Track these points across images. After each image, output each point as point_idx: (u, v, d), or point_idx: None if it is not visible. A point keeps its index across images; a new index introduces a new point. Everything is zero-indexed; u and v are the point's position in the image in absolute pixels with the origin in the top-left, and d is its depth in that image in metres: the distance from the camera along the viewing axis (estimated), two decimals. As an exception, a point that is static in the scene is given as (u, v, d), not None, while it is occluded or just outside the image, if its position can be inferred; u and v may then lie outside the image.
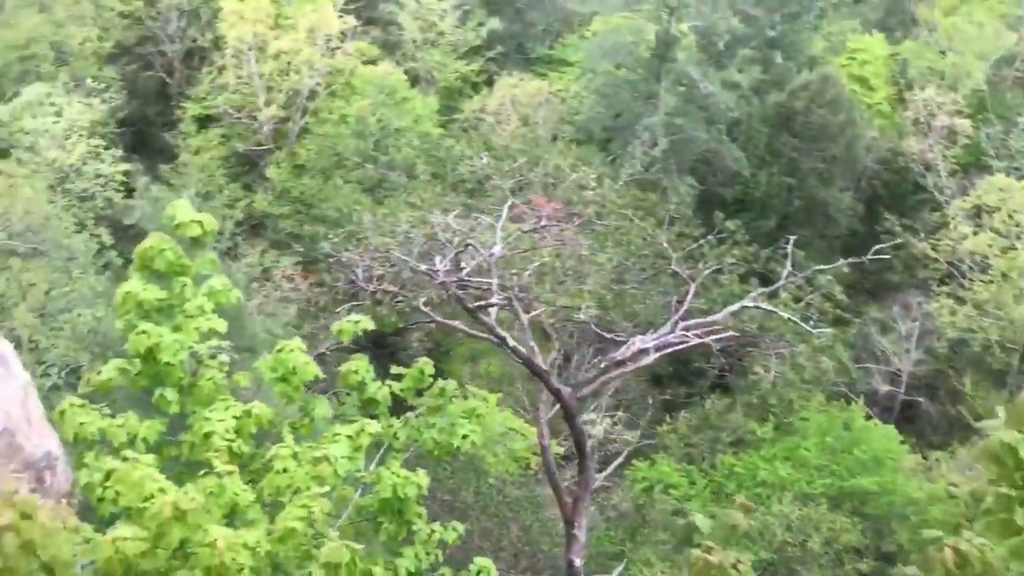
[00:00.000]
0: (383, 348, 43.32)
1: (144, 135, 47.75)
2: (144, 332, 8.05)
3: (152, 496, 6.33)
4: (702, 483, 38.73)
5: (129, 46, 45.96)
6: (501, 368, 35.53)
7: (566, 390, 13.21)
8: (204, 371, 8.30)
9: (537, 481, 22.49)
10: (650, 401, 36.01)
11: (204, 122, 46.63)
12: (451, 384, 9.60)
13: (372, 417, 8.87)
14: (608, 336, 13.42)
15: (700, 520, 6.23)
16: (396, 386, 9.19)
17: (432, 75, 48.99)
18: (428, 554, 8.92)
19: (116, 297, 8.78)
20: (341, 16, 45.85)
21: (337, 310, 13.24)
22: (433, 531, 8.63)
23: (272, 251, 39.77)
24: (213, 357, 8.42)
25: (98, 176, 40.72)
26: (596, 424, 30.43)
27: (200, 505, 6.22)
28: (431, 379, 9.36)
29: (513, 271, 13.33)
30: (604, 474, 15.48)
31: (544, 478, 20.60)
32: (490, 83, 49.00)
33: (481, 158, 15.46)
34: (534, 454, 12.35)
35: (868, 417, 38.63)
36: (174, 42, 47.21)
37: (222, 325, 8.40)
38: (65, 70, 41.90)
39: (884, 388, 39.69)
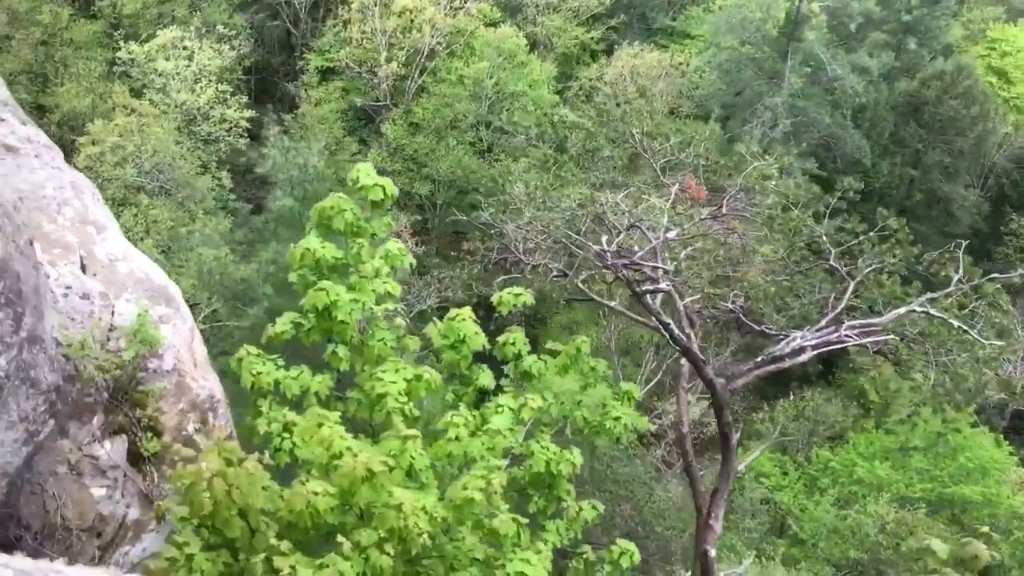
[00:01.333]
0: (478, 310, 43.84)
1: (267, 83, 48.89)
2: (323, 290, 8.31)
3: (340, 454, 6.58)
4: (795, 475, 38.22)
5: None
6: (597, 340, 35.55)
7: (720, 381, 13.13)
8: (375, 331, 8.53)
9: (639, 459, 22.51)
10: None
11: (325, 74, 47.47)
12: (602, 363, 9.64)
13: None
14: (757, 328, 13.25)
15: (937, 545, 6.13)
16: (552, 362, 9.28)
17: (551, 40, 48.67)
18: (568, 530, 9.05)
19: (292, 252, 9.07)
20: (470, -25, 45.91)
21: (497, 280, 13.38)
22: (581, 509, 8.75)
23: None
24: (389, 319, 8.65)
25: (223, 121, 41.85)
26: (692, 406, 30.22)
27: (387, 468, 6.43)
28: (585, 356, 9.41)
29: (666, 254, 13.22)
30: (744, 464, 15.38)
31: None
32: (609, 52, 48.45)
33: (634, 135, 15.26)
34: (634, 432, 12.33)
35: (974, 425, 37.38)
36: (301, -5, 47.97)
37: (397, 289, 8.60)
38: (198, 15, 43.03)
39: (996, 395, 38.22)
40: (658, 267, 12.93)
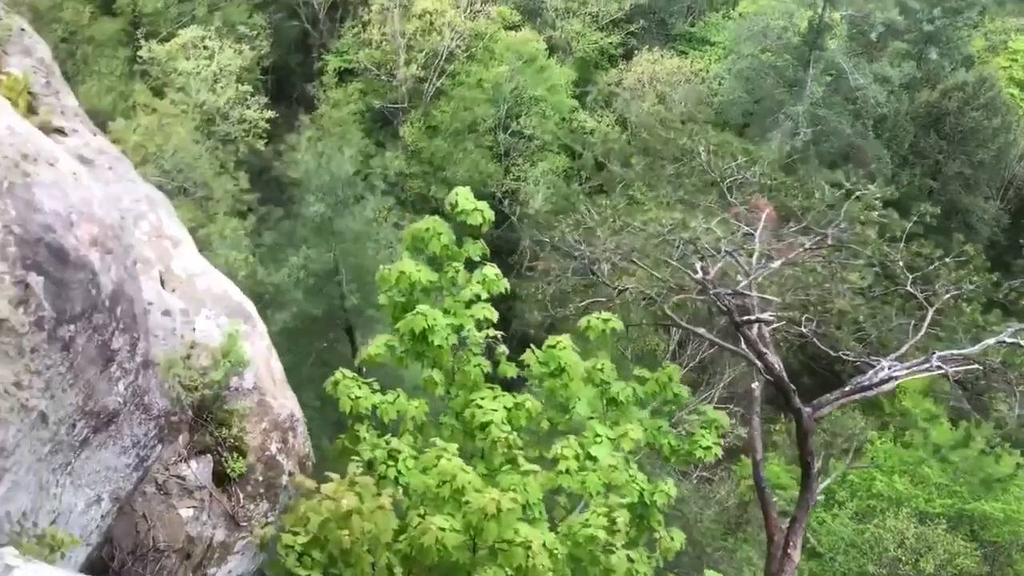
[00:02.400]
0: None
1: (284, 84, 48.73)
2: (421, 314, 8.19)
3: (463, 489, 6.46)
4: (812, 486, 38.13)
5: (277, -2, 46.79)
6: (614, 349, 35.42)
7: (806, 411, 13.02)
8: (470, 357, 8.42)
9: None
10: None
11: (344, 76, 47.32)
12: (685, 391, 9.54)
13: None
14: (834, 354, 13.13)
15: None
16: (640, 389, 9.17)
17: (570, 45, 48.57)
18: (650, 558, 8.95)
19: (385, 273, 8.95)
20: (487, -22, 45.77)
21: (580, 303, 13.25)
22: (672, 538, 8.64)
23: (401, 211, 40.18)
24: (490, 347, 8.54)
25: (242, 121, 41.69)
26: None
27: (515, 505, 6.31)
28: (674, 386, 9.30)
29: (738, 277, 13.07)
30: (820, 489, 15.24)
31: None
32: (628, 57, 48.33)
33: (699, 152, 15.12)
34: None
35: (993, 443, 37.16)
36: (320, -6, 47.82)
37: (495, 315, 8.48)
38: (218, 15, 42.87)
39: (1016, 412, 38.08)
40: (767, 298, 12.82)
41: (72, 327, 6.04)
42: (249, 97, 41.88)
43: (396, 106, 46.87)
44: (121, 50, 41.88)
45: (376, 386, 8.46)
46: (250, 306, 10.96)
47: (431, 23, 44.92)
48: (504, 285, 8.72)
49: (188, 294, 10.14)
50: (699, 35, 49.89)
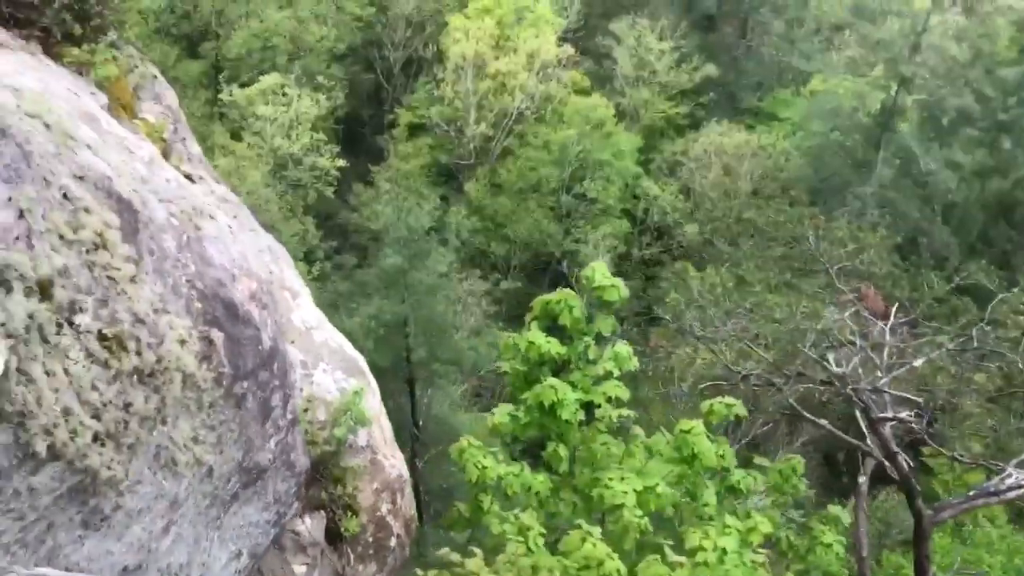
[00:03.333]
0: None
1: (355, 134, 49.67)
2: (551, 387, 8.15)
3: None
4: (866, 577, 36.98)
5: (356, 48, 47.93)
6: (663, 416, 35.05)
7: (928, 512, 12.70)
8: (596, 434, 8.33)
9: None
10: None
11: (414, 130, 48.17)
12: (804, 484, 9.35)
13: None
14: (948, 456, 12.79)
15: None
16: (760, 479, 9.00)
17: (638, 112, 49.02)
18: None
19: (510, 340, 8.95)
20: (560, 44, 46.54)
21: (700, 385, 13.14)
22: (793, 636, 8.40)
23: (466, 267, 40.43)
24: (621, 426, 8.46)
25: (314, 168, 42.48)
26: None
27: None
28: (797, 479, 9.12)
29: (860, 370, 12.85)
30: None
31: None
32: (694, 127, 48.63)
33: (808, 237, 15.05)
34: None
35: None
36: (397, 49, 48.93)
37: (626, 393, 8.40)
38: (299, 64, 43.98)
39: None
40: (908, 397, 12.63)
41: (245, 384, 6.10)
42: (322, 145, 42.72)
43: (462, 162, 47.49)
44: (203, 92, 43.08)
45: (501, 456, 8.41)
46: (363, 362, 11.00)
47: (503, 84, 45.67)
48: (635, 364, 8.65)
49: (306, 347, 10.20)
50: (768, 110, 50.10)
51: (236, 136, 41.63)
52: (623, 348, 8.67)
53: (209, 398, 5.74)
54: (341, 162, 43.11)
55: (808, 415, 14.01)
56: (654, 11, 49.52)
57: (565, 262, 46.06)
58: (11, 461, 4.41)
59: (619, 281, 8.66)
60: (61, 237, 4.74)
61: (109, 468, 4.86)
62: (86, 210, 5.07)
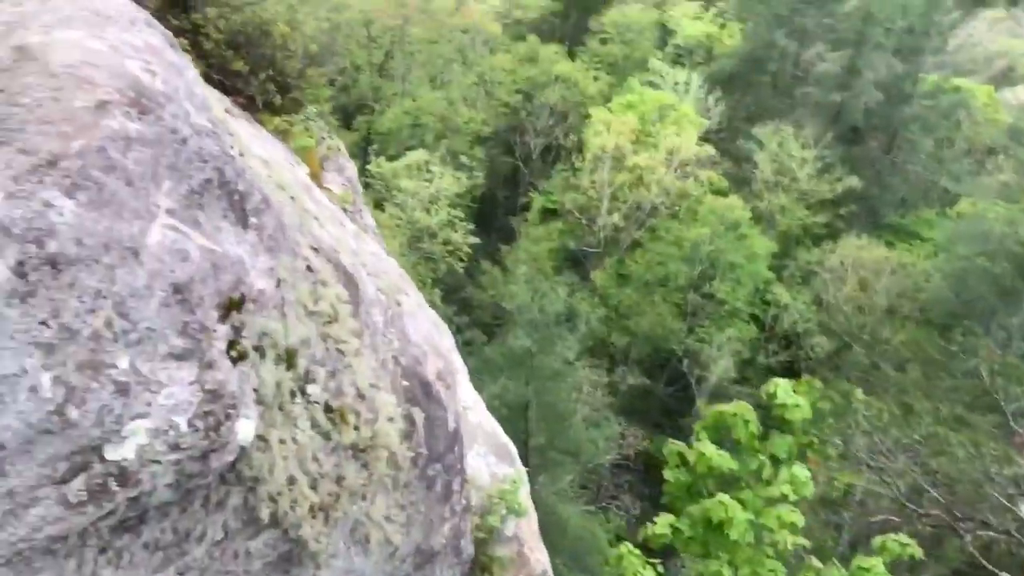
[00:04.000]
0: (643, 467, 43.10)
1: (488, 213, 50.78)
2: (721, 503, 7.86)
3: None
4: None
5: (499, 132, 49.31)
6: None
7: None
8: (765, 560, 7.97)
9: None
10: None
11: (546, 214, 48.91)
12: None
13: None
14: None
15: None
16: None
17: (774, 217, 48.39)
18: None
19: (675, 448, 8.73)
20: (701, 144, 46.70)
21: (871, 518, 12.62)
22: None
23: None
24: (799, 557, 8.08)
25: (447, 243, 43.43)
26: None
27: None
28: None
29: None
30: None
31: None
32: (832, 238, 47.59)
33: (980, 371, 14.37)
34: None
35: None
36: (538, 136, 50.07)
37: (801, 519, 8.03)
38: (445, 143, 45.48)
39: None
40: None
41: (437, 466, 6.10)
42: (457, 221, 43.76)
43: (591, 249, 47.76)
44: (354, 161, 44.87)
45: (660, 569, 8.12)
46: (514, 448, 10.92)
47: (640, 178, 46.01)
48: (811, 490, 8.27)
49: (463, 428, 10.20)
50: (910, 228, 48.68)
51: (379, 206, 43.09)
52: (801, 471, 8.29)
53: (405, 478, 5.75)
54: (474, 239, 43.97)
55: (993, 568, 12.94)
56: (799, 119, 49.29)
57: (686, 361, 45.39)
58: (238, 524, 4.48)
59: (803, 401, 8.33)
60: (304, 308, 4.89)
61: (317, 540, 4.89)
62: (323, 283, 5.23)
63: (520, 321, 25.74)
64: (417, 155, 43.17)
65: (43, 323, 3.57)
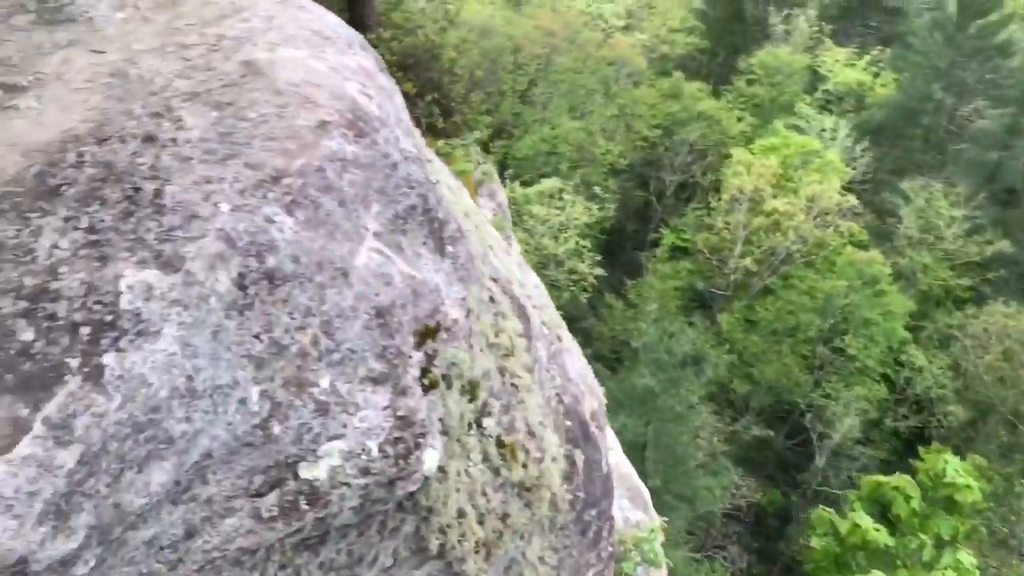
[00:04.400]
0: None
1: (616, 246, 50.47)
2: (872, 582, 7.43)
3: None
4: None
5: (634, 165, 49.05)
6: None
7: None
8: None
9: None
10: None
11: (675, 252, 48.25)
12: None
13: None
14: None
15: None
16: None
17: (916, 276, 46.29)
18: None
19: (825, 515, 8.33)
20: (844, 194, 45.21)
21: None
22: None
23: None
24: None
25: (573, 272, 43.36)
26: None
27: None
28: None
29: None
30: None
31: None
32: (977, 303, 45.13)
33: None
34: None
35: None
36: (675, 173, 49.56)
37: (962, 609, 7.52)
38: (579, 172, 45.54)
39: None
40: None
41: (592, 511, 5.95)
42: (585, 252, 43.65)
43: (718, 292, 46.80)
44: (487, 184, 45.44)
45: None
46: (647, 495, 10.67)
47: (777, 223, 44.85)
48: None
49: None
50: (1064, 299, 45.64)
51: (508, 230, 43.44)
52: (967, 558, 7.74)
53: (562, 520, 5.63)
54: (599, 271, 43.75)
55: None
56: (950, 176, 47.14)
57: (809, 415, 43.79)
58: (407, 552, 4.44)
59: (975, 483, 7.79)
60: (486, 340, 4.85)
61: (477, 576, 4.81)
62: (503, 315, 5.19)
63: (645, 359, 25.34)
64: (551, 183, 43.36)
65: (256, 336, 3.62)
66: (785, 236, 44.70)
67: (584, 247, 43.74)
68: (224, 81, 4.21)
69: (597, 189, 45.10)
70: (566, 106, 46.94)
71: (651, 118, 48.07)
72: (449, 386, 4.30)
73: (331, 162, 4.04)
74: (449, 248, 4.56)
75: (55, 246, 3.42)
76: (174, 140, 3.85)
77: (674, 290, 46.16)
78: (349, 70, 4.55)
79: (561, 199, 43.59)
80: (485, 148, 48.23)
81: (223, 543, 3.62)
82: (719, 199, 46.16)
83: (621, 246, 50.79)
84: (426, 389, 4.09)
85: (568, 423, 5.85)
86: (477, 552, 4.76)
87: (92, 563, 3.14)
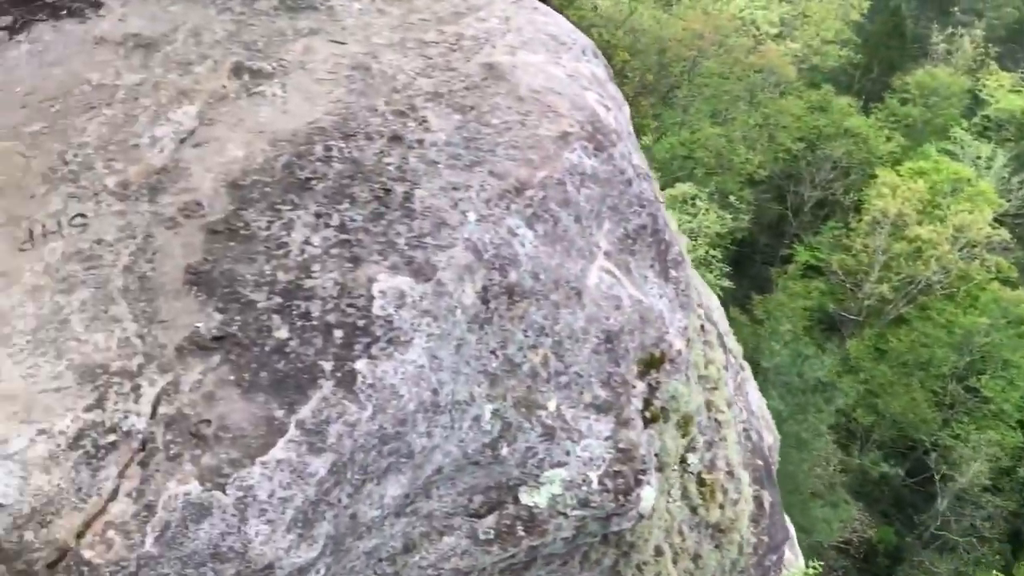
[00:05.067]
0: None
1: (745, 258, 49.21)
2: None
3: None
4: None
5: (773, 177, 47.68)
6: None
7: None
8: None
9: None
10: None
11: (806, 270, 46.68)
12: None
13: None
14: None
15: None
16: None
17: (1067, 320, 43.41)
18: None
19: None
20: (995, 226, 42.76)
21: None
22: None
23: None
24: None
25: (699, 281, 42.45)
26: None
27: None
28: None
29: None
30: None
31: None
32: None
33: None
34: None
35: None
36: (815, 189, 47.94)
37: None
38: (716, 180, 44.54)
39: None
40: None
41: (773, 557, 5.65)
42: (714, 261, 42.69)
43: (849, 316, 45.05)
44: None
45: None
46: (793, 532, 10.21)
47: (919, 250, 42.79)
48: None
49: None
50: None
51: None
52: None
53: (744, 563, 5.36)
54: (727, 282, 42.69)
55: None
56: (1119, 217, 44.01)
57: (934, 455, 41.72)
58: (601, 584, 4.27)
59: None
60: (696, 372, 4.62)
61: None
62: (710, 345, 4.95)
63: (775, 381, 24.55)
64: (685, 188, 42.50)
65: (492, 352, 3.50)
66: (927, 265, 42.60)
67: (713, 256, 42.74)
68: (466, 83, 4.10)
69: (732, 198, 43.99)
70: (708, 111, 45.94)
71: (796, 130, 46.57)
72: (667, 420, 4.10)
73: (571, 175, 3.89)
74: (672, 272, 4.35)
75: (307, 242, 3.37)
76: (420, 142, 3.77)
77: (803, 310, 44.65)
78: (585, 78, 4.39)
79: (694, 205, 42.70)
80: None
81: (439, 560, 3.52)
82: (859, 220, 44.37)
83: (751, 259, 49.48)
84: (647, 422, 3.90)
85: (758, 461, 5.57)
86: (668, 591, 4.55)
87: (323, 572, 3.08)
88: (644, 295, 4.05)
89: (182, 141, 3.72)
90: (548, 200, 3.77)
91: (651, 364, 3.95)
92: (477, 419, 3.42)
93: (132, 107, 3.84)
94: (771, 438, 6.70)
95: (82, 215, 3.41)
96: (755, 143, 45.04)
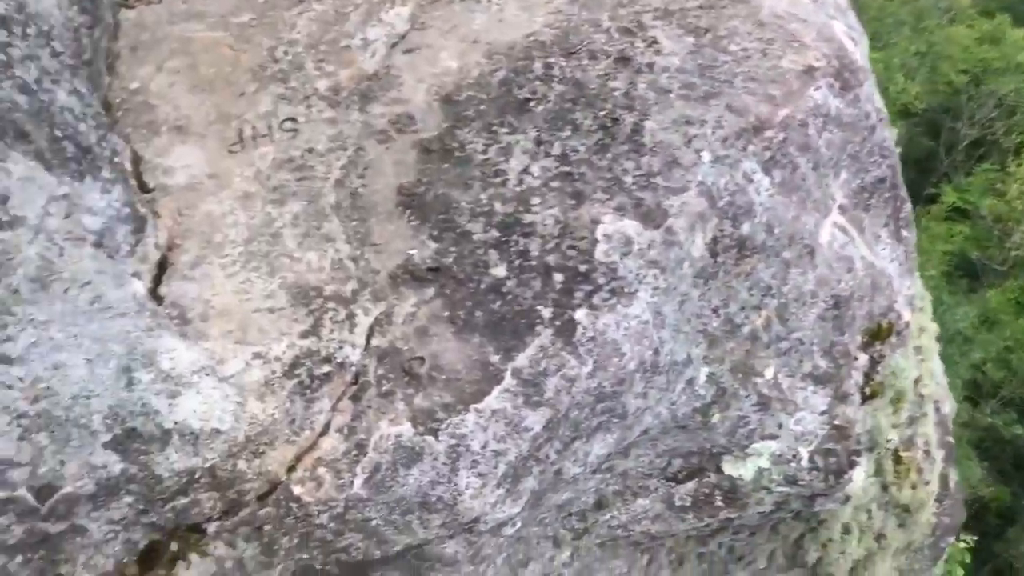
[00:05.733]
0: None
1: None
2: None
3: None
4: None
5: (929, 110, 44.72)
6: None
7: None
8: None
9: None
10: None
11: (951, 212, 44.07)
12: None
13: None
14: None
15: None
16: None
17: None
18: None
19: None
20: None
21: None
22: None
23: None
24: None
25: (835, 214, 40.67)
26: None
27: None
28: None
29: None
30: None
31: None
32: None
33: None
34: None
35: None
36: (973, 126, 44.84)
37: None
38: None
39: None
40: None
41: (950, 539, 5.27)
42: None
43: (992, 265, 42.49)
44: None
45: None
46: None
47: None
48: None
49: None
50: None
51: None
52: None
53: (919, 544, 5.00)
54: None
55: None
56: None
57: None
58: (783, 560, 4.01)
59: None
60: (913, 340, 4.20)
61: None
62: (923, 309, 4.50)
63: (911, 328, 23.34)
64: (834, 115, 40.29)
65: (714, 311, 3.18)
66: (1089, 220, 39.61)
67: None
68: (700, 1, 3.67)
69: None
70: (868, 33, 42.99)
71: (961, 62, 43.36)
72: (883, 396, 3.73)
73: (814, 117, 3.45)
74: (904, 233, 3.91)
75: (526, 171, 3.09)
76: (650, 66, 3.38)
77: (943, 254, 42.34)
78: (831, 5, 3.88)
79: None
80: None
81: (629, 522, 3.31)
82: (1019, 164, 41.31)
83: (891, 195, 47.01)
84: (864, 398, 3.54)
85: (948, 438, 5.14)
86: (849, 572, 4.26)
87: (519, 525, 2.90)
88: (876, 257, 3.63)
89: (393, 45, 3.45)
90: (788, 143, 3.36)
91: (876, 335, 3.57)
92: (691, 382, 3.14)
93: (343, 3, 3.58)
94: (949, 407, 6.21)
95: (292, 119, 3.20)
96: (915, 72, 42.14)
